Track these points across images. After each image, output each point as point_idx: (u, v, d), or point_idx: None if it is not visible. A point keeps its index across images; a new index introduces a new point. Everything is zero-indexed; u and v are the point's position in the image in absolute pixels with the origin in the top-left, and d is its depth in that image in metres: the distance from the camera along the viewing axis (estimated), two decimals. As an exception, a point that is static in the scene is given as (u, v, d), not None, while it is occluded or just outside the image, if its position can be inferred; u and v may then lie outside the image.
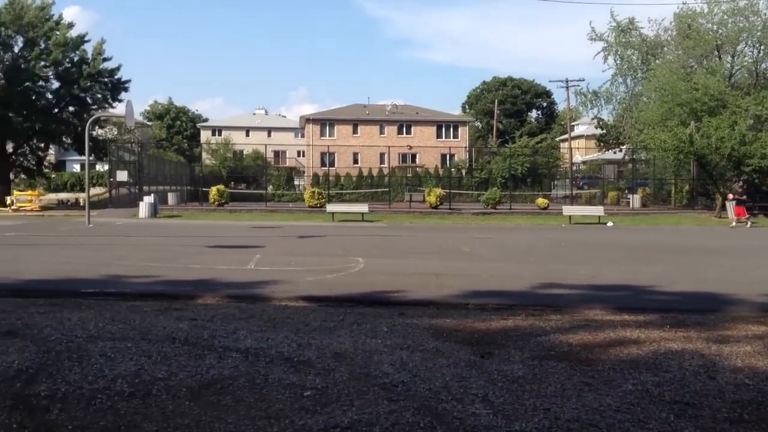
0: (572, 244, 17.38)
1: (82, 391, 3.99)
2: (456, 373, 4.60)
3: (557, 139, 75.05)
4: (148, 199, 33.80)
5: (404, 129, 70.95)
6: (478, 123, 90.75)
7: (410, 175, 59.46)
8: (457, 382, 4.38)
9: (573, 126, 71.06)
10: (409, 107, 75.61)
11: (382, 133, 70.15)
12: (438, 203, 37.66)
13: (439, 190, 39.70)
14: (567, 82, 58.80)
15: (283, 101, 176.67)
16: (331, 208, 33.53)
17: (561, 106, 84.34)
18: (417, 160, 66.96)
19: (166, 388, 4.10)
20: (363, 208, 33.48)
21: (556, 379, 4.50)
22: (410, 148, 67.27)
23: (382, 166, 60.58)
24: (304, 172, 70.27)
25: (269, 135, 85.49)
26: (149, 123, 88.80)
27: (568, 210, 32.51)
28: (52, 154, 66.17)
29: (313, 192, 40.90)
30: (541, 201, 39.41)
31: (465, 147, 67.24)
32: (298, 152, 79.98)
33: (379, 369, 4.66)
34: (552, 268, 11.67)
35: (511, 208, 38.00)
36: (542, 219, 32.48)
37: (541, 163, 55.97)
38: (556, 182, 55.38)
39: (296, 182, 67.20)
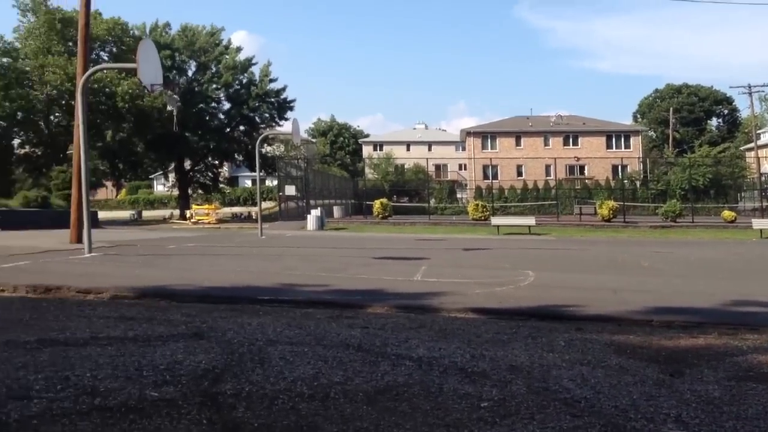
0: (766, 260, 16.24)
1: (264, 391, 4.12)
2: (644, 391, 4.36)
3: (742, 148, 70.61)
4: (315, 213, 34.93)
5: (571, 140, 69.21)
6: (652, 132, 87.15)
7: (579, 187, 57.89)
8: (645, 400, 4.15)
9: (759, 134, 66.64)
10: (574, 117, 73.73)
11: (546, 144, 68.82)
12: (611, 216, 36.45)
13: (611, 203, 38.43)
14: (750, 87, 55.31)
15: (443, 116, 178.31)
16: (496, 221, 33.23)
17: (744, 113, 79.40)
18: (585, 171, 65.09)
19: (343, 391, 4.16)
20: (530, 220, 32.94)
21: (756, 401, 4.16)
22: (578, 159, 65.53)
23: (548, 178, 59.35)
24: (466, 185, 70.16)
25: (430, 149, 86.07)
26: (314, 140, 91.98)
27: (759, 223, 30.41)
28: (225, 171, 69.88)
29: (477, 205, 40.71)
30: (727, 214, 37.23)
31: (638, 157, 64.63)
32: (460, 165, 79.98)
33: (558, 384, 4.50)
34: (743, 285, 10.95)
35: (693, 222, 36.11)
36: (729, 233, 30.64)
37: (724, 173, 52.80)
38: (743, 194, 52.01)
39: (458, 195, 67.19)
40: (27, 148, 52.89)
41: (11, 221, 29.65)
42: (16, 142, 52.59)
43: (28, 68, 47.35)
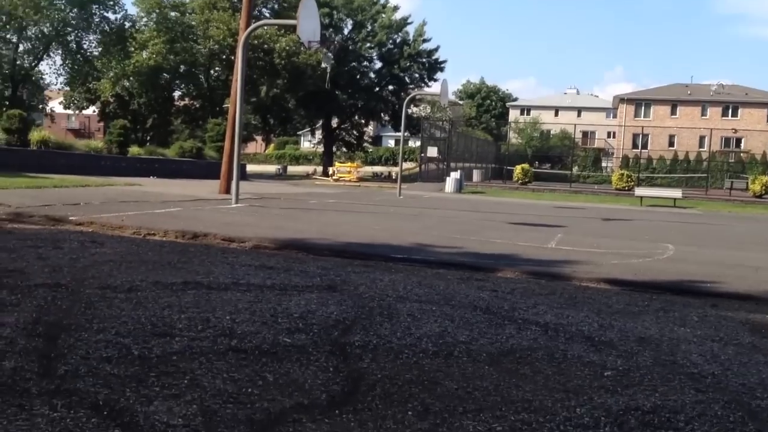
0: None
1: (390, 345, 4.21)
2: (775, 371, 4.15)
3: None
4: (455, 175, 34.90)
5: (730, 111, 65.23)
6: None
7: (732, 160, 54.63)
8: (776, 380, 3.95)
9: None
10: (737, 87, 69.30)
11: (703, 114, 65.26)
12: (763, 192, 34.37)
13: (765, 178, 36.15)
14: None
15: (597, 81, 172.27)
16: (639, 191, 32.08)
17: None
18: (742, 144, 61.28)
19: (467, 351, 4.19)
20: (676, 193, 31.57)
21: None
22: (735, 131, 61.80)
23: (701, 150, 56.40)
24: (612, 153, 67.85)
25: (579, 115, 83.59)
26: (461, 102, 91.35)
27: None
28: (370, 130, 70.86)
29: (622, 174, 39.42)
30: None
31: (803, 133, 60.16)
32: (609, 133, 77.30)
33: (686, 358, 4.34)
34: None
35: None
36: None
37: None
38: None
39: (603, 164, 65.12)
40: (186, 100, 55.76)
41: (166, 170, 31.42)
42: (176, 94, 55.54)
43: (194, 23, 49.63)
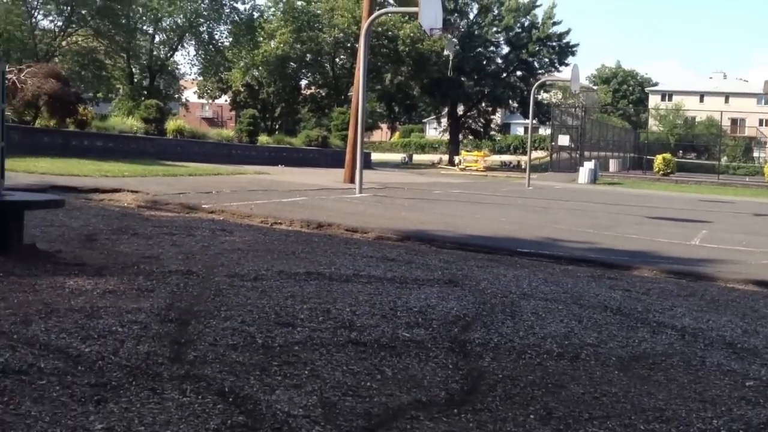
0: None
1: (513, 344, 4.11)
2: None
3: None
4: (589, 165, 33.97)
5: None
6: None
7: None
8: None
9: None
10: None
11: None
12: None
13: None
14: None
15: (747, 63, 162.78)
16: (799, 184, 30.15)
17: None
18: None
19: (595, 354, 4.03)
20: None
21: None
22: None
23: None
24: (765, 143, 64.07)
25: (726, 101, 79.14)
26: (594, 87, 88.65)
27: None
28: (498, 117, 70.10)
29: (775, 165, 37.19)
30: None
31: None
32: (761, 120, 72.92)
33: (842, 371, 4.01)
34: None
35: None
36: None
37: None
38: None
39: (755, 154, 61.60)
40: (312, 89, 56.96)
41: (293, 158, 32.20)
42: (303, 82, 56.84)
43: (319, 12, 50.60)
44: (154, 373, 3.09)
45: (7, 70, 20.12)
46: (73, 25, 45.36)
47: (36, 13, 44.72)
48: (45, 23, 46.19)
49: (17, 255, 5.18)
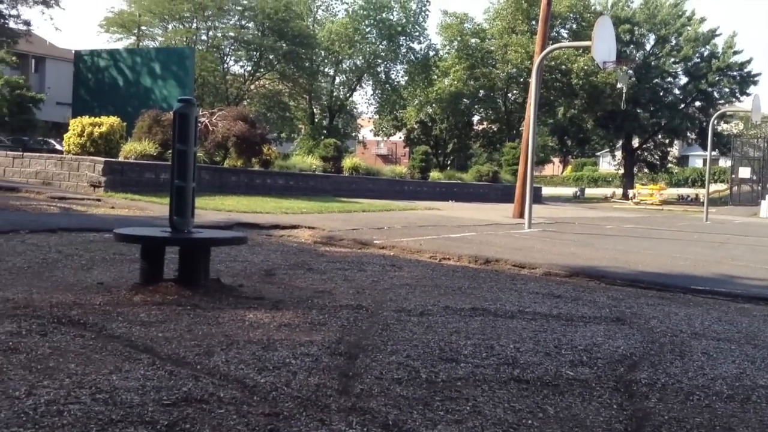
0: None
1: (680, 384, 4.00)
2: None
3: None
4: (773, 198, 31.74)
5: None
6: None
7: None
8: None
9: None
10: None
11: None
12: None
13: None
14: None
15: None
16: None
17: None
18: None
19: (767, 396, 3.85)
20: None
21: None
22: None
23: None
24: None
25: None
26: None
27: None
28: (675, 149, 67.18)
29: None
30: None
31: None
32: None
33: None
34: None
35: None
36: None
37: None
38: None
39: None
40: (484, 124, 57.22)
41: (463, 194, 32.41)
42: (475, 118, 57.25)
43: (492, 48, 50.95)
44: (323, 405, 3.27)
45: (200, 113, 21.80)
46: (261, 70, 48.45)
47: (228, 60, 48.18)
48: (236, 69, 49.61)
49: (203, 289, 5.63)
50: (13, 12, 36.67)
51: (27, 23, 37.88)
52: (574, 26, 51.06)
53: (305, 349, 4.22)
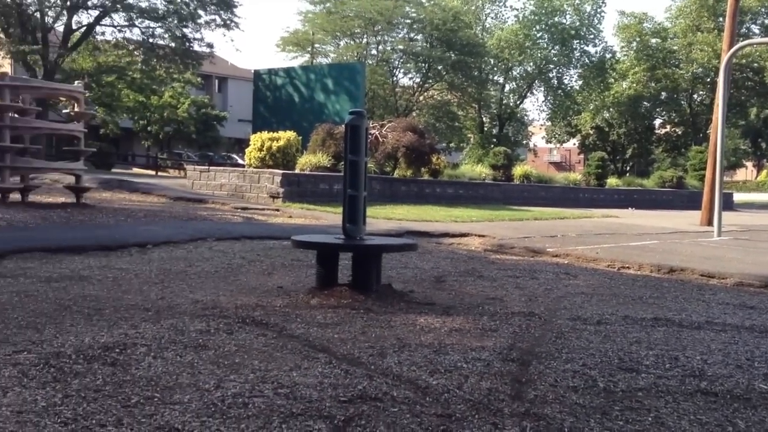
0: None
1: None
2: None
3: None
4: None
5: None
6: None
7: None
8: None
9: None
10: None
11: None
12: None
13: None
14: None
15: None
16: None
17: None
18: None
19: None
20: None
21: None
22: None
23: None
24: None
25: None
26: None
27: None
28: None
29: None
30: None
31: None
32: None
33: None
34: None
35: None
36: None
37: None
38: None
39: None
40: (667, 128, 54.63)
41: (644, 201, 31.01)
42: (657, 122, 54.83)
43: (675, 47, 48.71)
44: (496, 409, 3.22)
45: (370, 125, 22.30)
46: (430, 81, 49.04)
47: (397, 72, 49.19)
48: (405, 81, 50.53)
49: (375, 294, 5.71)
50: (198, 36, 39.30)
51: (210, 46, 40.47)
52: (766, 21, 47.75)
53: (476, 354, 4.16)
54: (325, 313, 5.12)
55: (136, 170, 44.41)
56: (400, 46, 47.56)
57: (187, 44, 38.68)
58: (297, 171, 18.38)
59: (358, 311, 5.22)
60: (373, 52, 47.96)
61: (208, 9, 38.47)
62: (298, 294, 5.79)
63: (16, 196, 12.03)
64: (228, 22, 38.89)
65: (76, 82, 15.17)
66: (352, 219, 5.78)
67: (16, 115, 11.92)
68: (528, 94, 54.50)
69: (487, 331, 4.86)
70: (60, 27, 38.09)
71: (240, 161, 43.25)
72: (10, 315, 4.62)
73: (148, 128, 52.82)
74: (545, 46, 51.79)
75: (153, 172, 42.89)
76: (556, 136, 57.54)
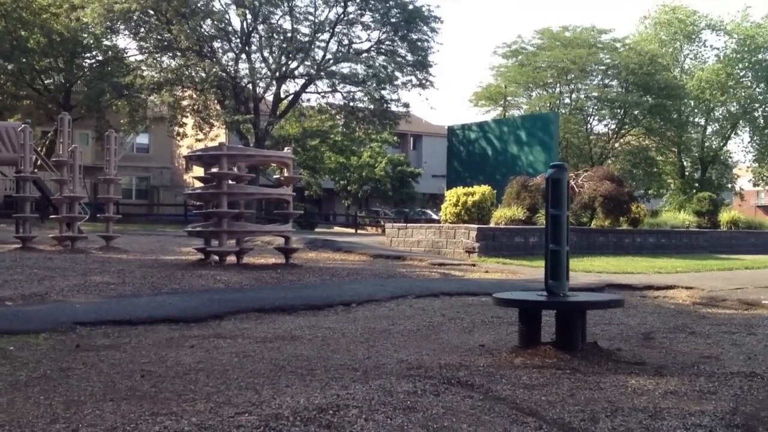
0: None
1: None
2: None
3: None
4: None
5: None
6: None
7: None
8: None
9: None
10: None
11: None
12: None
13: None
14: None
15: None
16: None
17: None
18: None
19: None
20: None
21: None
22: None
23: None
24: None
25: None
26: None
27: None
28: None
29: None
30: None
31: None
32: None
33: None
34: None
35: None
36: None
37: None
38: None
39: None
40: None
41: None
42: None
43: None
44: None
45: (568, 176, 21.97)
46: (626, 126, 47.68)
47: (591, 120, 48.29)
48: (599, 128, 49.47)
49: (581, 353, 5.57)
50: (395, 96, 40.86)
51: (407, 105, 41.92)
52: None
53: (696, 420, 3.96)
54: (530, 373, 5.06)
55: (337, 229, 46.35)
56: (594, 93, 46.69)
57: (385, 105, 40.32)
58: (492, 225, 18.42)
59: (564, 371, 5.12)
60: (566, 100, 47.43)
61: (405, 71, 40.03)
62: (501, 353, 5.77)
63: (231, 259, 12.95)
64: (423, 81, 40.25)
65: (285, 148, 16.24)
66: (555, 275, 5.70)
67: (232, 182, 12.88)
68: (732, 135, 51.36)
69: (705, 393, 4.60)
70: (269, 96, 41.07)
71: (434, 216, 43.98)
72: (231, 375, 4.96)
73: (348, 188, 55.14)
74: (749, 84, 48.79)
75: (353, 230, 44.54)
76: (764, 177, 53.55)
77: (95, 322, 7.12)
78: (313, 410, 4.02)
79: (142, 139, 52.43)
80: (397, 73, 40.18)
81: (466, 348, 6.09)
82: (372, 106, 40.46)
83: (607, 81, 47.05)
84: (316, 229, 39.66)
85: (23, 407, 4.06)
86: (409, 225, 20.23)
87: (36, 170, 19.18)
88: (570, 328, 5.62)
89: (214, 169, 12.45)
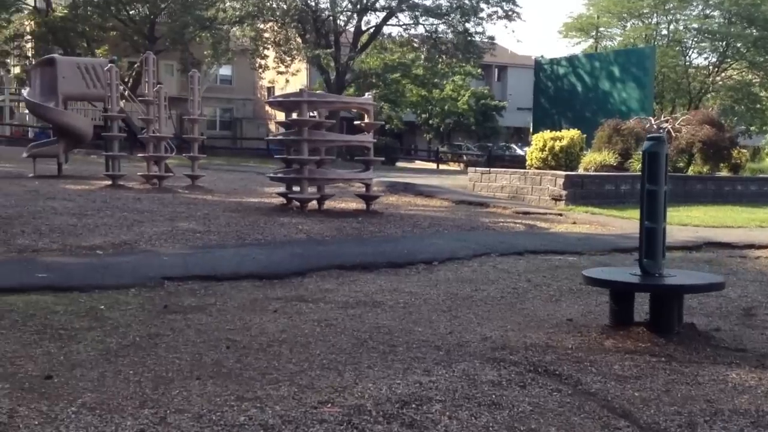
0: None
1: None
2: None
3: None
4: None
5: None
6: None
7: None
8: None
9: None
10: None
11: None
12: None
13: None
14: None
15: None
16: None
17: None
18: None
19: None
20: None
21: None
22: None
23: None
24: None
25: None
26: None
27: None
28: None
29: None
30: None
31: None
32: None
33: None
34: None
35: None
36: None
37: None
38: None
39: None
40: None
41: None
42: None
43: None
44: None
45: (662, 119, 21.01)
46: (728, 60, 45.47)
47: (689, 53, 46.15)
48: (698, 61, 47.28)
49: (677, 336, 5.28)
50: (479, 29, 39.81)
51: (491, 38, 40.80)
52: None
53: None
54: (622, 360, 4.83)
55: (418, 163, 46.16)
56: (694, 24, 44.48)
57: (469, 38, 39.37)
58: (580, 171, 17.86)
59: (659, 359, 4.86)
60: (663, 32, 45.34)
61: (490, 1, 38.86)
62: (590, 331, 5.55)
63: (313, 204, 12.97)
64: (510, 13, 39.06)
65: (366, 94, 16.02)
66: (650, 254, 5.40)
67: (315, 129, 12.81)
68: None
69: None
70: (350, 29, 40.64)
71: (519, 151, 43.18)
72: (313, 350, 4.90)
73: (430, 121, 54.62)
74: None
75: (434, 165, 44.29)
76: None
77: (182, 278, 7.20)
78: (396, 403, 3.91)
79: (225, 71, 52.93)
80: (482, 4, 39.03)
81: (553, 323, 5.88)
82: (455, 39, 39.58)
83: (708, 11, 44.66)
84: (397, 164, 39.53)
85: (113, 385, 4.09)
86: (492, 170, 19.80)
87: (123, 104, 19.47)
88: (665, 311, 5.34)
89: (294, 115, 12.40)
